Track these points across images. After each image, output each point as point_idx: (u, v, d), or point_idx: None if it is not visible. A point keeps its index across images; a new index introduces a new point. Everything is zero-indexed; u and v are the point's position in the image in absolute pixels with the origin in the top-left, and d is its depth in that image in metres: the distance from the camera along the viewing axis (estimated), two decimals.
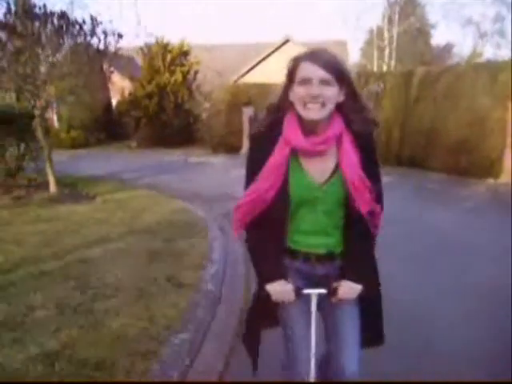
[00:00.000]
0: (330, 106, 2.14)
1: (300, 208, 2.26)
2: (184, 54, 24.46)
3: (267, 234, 2.27)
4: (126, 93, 24.63)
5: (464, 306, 4.52)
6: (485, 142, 12.09)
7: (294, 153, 2.21)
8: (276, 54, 26.08)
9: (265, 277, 2.33)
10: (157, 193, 10.64)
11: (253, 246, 2.35)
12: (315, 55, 2.14)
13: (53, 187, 10.30)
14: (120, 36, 10.67)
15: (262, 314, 2.48)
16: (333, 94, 2.12)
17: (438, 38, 61.23)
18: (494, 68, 12.39)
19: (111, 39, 10.54)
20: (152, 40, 24.18)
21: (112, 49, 10.72)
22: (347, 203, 2.23)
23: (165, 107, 23.77)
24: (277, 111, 2.26)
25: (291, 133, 2.18)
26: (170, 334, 3.80)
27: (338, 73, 2.13)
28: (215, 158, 18.79)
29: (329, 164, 2.23)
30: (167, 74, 23.78)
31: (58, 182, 10.49)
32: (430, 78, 14.06)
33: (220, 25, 71.13)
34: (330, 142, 2.19)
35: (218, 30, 66.87)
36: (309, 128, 2.18)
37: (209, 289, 4.72)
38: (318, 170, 2.23)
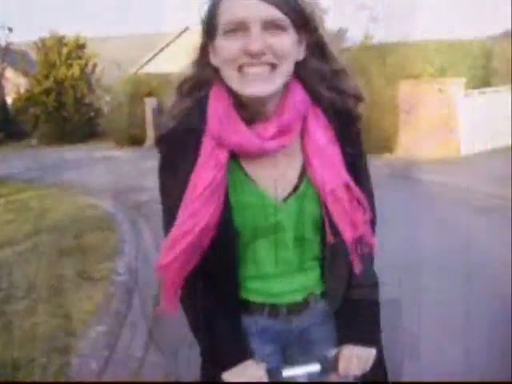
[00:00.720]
0: (286, 69, 1.28)
1: (255, 241, 1.41)
2: (80, 47, 23.81)
3: (211, 290, 1.42)
4: (22, 90, 23.64)
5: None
6: (380, 120, 12.73)
7: (233, 155, 1.34)
8: (176, 42, 25.94)
9: (220, 360, 1.43)
10: (62, 190, 10.43)
11: (194, 310, 1.46)
12: None
13: None
14: (10, 30, 10.30)
15: None
16: (288, 46, 1.26)
17: (331, 23, 62.48)
18: (383, 50, 13.04)
19: (1, 33, 10.16)
20: (46, 34, 23.32)
21: (2, 43, 10.32)
22: (322, 224, 1.39)
23: (64, 102, 23.08)
24: (193, 89, 1.38)
25: (223, 124, 1.30)
26: (87, 327, 3.84)
27: (294, 9, 1.27)
28: (119, 152, 18.51)
29: (291, 166, 1.39)
30: (64, 69, 23.06)
31: None
32: None
33: (115, 16, 69.59)
34: (291, 131, 1.34)
35: (113, 21, 65.40)
36: (252, 111, 1.32)
37: (122, 280, 4.77)
38: (273, 178, 1.37)
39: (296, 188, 1.39)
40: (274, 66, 1.25)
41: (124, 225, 6.98)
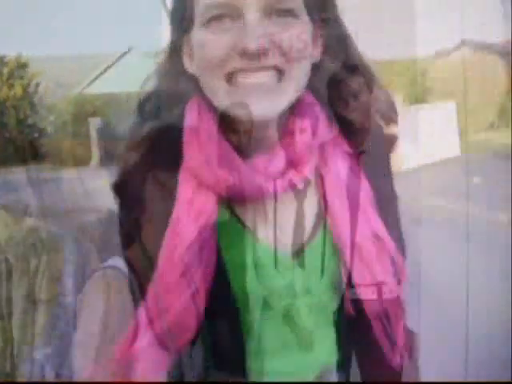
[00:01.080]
0: (299, 75, 0.92)
1: (258, 311, 1.04)
2: (22, 66, 23.39)
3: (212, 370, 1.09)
4: None
5: None
6: None
7: (223, 199, 0.97)
8: (118, 63, 25.84)
9: None
10: (5, 213, 10.20)
11: None
12: None
13: None
14: None
15: None
16: (302, 40, 0.88)
17: None
18: None
19: None
20: None
21: None
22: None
23: (6, 123, 22.57)
24: (161, 108, 0.97)
25: (207, 157, 0.92)
26: (32, 350, 3.82)
27: None
28: (64, 172, 18.22)
29: (302, 209, 1.00)
30: (6, 89, 22.60)
31: None
32: None
33: (59, 35, 68.52)
34: (305, 163, 0.96)
35: (56, 41, 64.37)
36: (246, 137, 0.93)
37: (68, 301, 4.74)
38: (278, 227, 1.00)
39: (311, 237, 1.03)
40: (281, 72, 0.88)
41: (69, 246, 6.91)
